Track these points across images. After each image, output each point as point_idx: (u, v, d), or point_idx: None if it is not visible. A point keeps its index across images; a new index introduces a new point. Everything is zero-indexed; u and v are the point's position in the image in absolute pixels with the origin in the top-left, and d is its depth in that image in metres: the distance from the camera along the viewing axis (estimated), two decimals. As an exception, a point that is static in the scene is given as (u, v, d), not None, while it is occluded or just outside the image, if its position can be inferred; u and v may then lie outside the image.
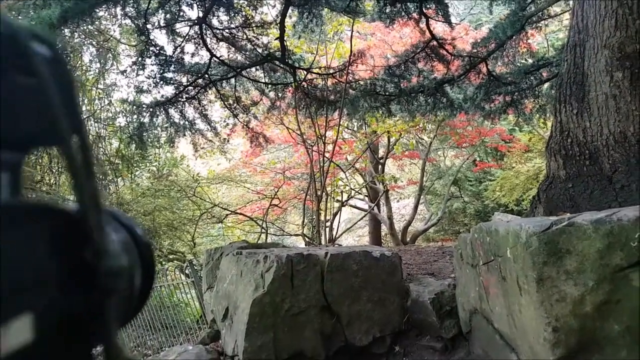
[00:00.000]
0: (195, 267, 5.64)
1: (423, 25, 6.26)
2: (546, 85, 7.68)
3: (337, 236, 9.17)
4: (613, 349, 1.74)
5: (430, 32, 6.41)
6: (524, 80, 7.22)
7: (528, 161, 12.68)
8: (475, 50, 6.93)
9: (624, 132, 3.31)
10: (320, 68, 7.21)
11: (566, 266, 1.79)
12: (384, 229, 12.84)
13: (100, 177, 8.13)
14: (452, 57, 6.94)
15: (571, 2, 6.04)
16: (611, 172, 3.31)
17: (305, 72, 6.77)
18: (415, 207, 12.33)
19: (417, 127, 10.48)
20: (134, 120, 6.98)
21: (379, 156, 12.48)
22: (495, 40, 6.74)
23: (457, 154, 15.31)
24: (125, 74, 7.19)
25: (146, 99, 6.87)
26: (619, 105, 3.33)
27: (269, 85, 7.09)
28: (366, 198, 12.82)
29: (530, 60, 7.44)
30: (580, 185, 3.49)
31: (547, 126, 11.65)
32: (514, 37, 6.80)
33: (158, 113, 6.92)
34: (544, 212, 3.73)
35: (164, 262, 7.68)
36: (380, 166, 12.04)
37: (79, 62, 8.00)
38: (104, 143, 8.33)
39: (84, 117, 8.04)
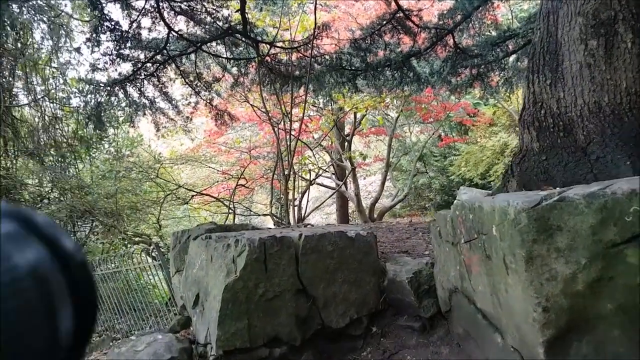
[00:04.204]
0: (162, 250, 5.43)
1: (389, -5, 6.07)
2: (512, 57, 7.71)
3: (305, 215, 9.05)
4: (605, 328, 1.68)
5: (397, 2, 6.22)
6: (491, 52, 7.20)
7: (493, 135, 12.87)
8: (441, 22, 6.82)
9: (598, 102, 3.27)
10: (284, 42, 6.92)
11: (557, 243, 1.70)
12: (352, 206, 12.83)
13: (59, 159, 7.67)
14: (419, 30, 6.80)
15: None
16: (586, 144, 3.28)
17: (268, 47, 6.46)
18: (382, 184, 12.33)
19: (384, 102, 10.37)
20: (91, 100, 6.53)
21: (345, 133, 12.35)
22: (462, 12, 6.65)
23: (422, 130, 15.39)
24: (79, 51, 6.69)
25: (103, 77, 6.47)
26: (593, 75, 3.27)
27: (231, 61, 6.76)
28: (333, 176, 12.73)
29: (495, 33, 7.41)
30: (554, 158, 3.45)
31: (512, 99, 11.83)
32: (480, 8, 6.73)
33: (116, 92, 6.54)
34: (517, 186, 3.68)
35: (129, 245, 7.38)
36: (346, 143, 11.92)
37: (30, 39, 7.40)
38: (60, 124, 7.82)
39: (38, 97, 7.50)
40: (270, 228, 5.39)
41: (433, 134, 14.15)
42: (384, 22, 6.64)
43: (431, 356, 2.74)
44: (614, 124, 3.23)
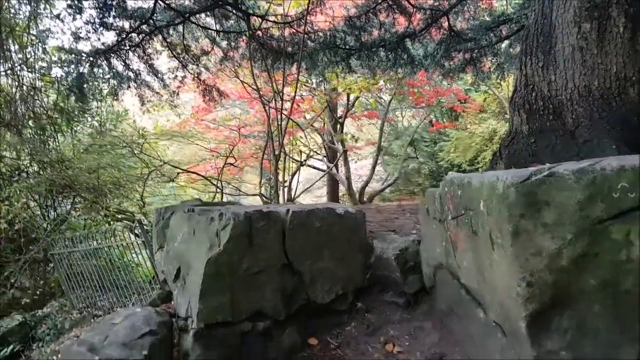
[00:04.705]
0: (146, 227, 5.36)
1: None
2: (505, 43, 7.68)
3: (295, 196, 9.04)
4: (587, 303, 1.70)
5: (393, -20, 6.14)
6: (484, 36, 7.16)
7: (482, 122, 12.91)
8: (437, 4, 6.75)
9: (588, 86, 3.27)
10: (276, 16, 6.77)
11: (544, 219, 1.71)
12: (342, 189, 12.85)
13: (38, 132, 7.48)
14: (414, 10, 6.71)
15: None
16: (574, 127, 3.29)
17: (260, 20, 6.33)
18: (373, 167, 12.35)
19: (378, 85, 10.31)
20: (73, 70, 6.34)
21: (338, 115, 12.28)
22: (458, -7, 6.59)
23: (414, 114, 15.38)
24: (60, 18, 6.48)
25: (85, 46, 6.26)
26: (585, 58, 3.27)
27: (221, 34, 6.61)
28: (324, 158, 12.70)
29: (489, 18, 7.36)
30: (542, 140, 3.46)
31: (503, 86, 11.84)
32: (476, -10, 6.68)
33: (99, 63, 6.35)
34: (505, 168, 3.70)
35: (112, 222, 7.28)
36: (339, 125, 11.86)
37: (5, 3, 7.12)
38: (40, 95, 7.60)
39: (16, 65, 7.26)
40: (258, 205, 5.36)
41: (424, 119, 14.16)
42: (380, 1, 6.54)
43: (414, 331, 2.76)
44: (603, 108, 3.24)
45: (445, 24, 6.80)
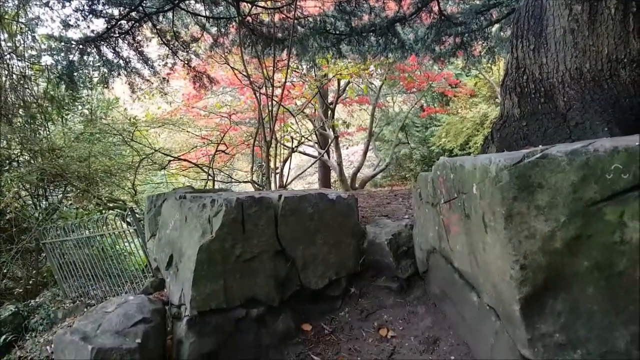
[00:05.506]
0: (137, 215, 5.32)
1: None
2: (495, 27, 7.63)
3: (287, 182, 9.01)
4: (580, 286, 1.70)
5: (383, -37, 6.05)
6: (475, 20, 7.11)
7: (473, 106, 12.91)
8: (427, -14, 6.69)
9: (579, 69, 3.26)
10: (266, 2, 6.67)
11: (537, 201, 1.70)
12: (334, 175, 12.84)
13: (28, 121, 7.35)
14: (405, -8, 6.65)
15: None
16: (566, 110, 3.29)
17: (250, 6, 6.22)
18: (365, 153, 12.33)
19: (368, 70, 10.24)
20: (63, 58, 6.24)
21: (329, 101, 12.20)
22: (448, -24, 6.53)
23: (405, 100, 15.34)
24: (49, 5, 6.34)
25: (75, 34, 6.15)
26: (576, 40, 3.25)
27: (211, 20, 6.51)
28: (316, 144, 12.65)
29: (479, 1, 7.30)
30: (534, 124, 3.46)
31: (494, 70, 11.82)
32: (466, -26, 6.61)
33: (89, 50, 6.25)
34: (496, 152, 3.70)
35: (104, 211, 7.21)
36: (330, 112, 11.79)
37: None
38: (30, 83, 7.47)
39: (5, 54, 7.11)
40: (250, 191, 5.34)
41: (415, 104, 14.13)
42: (370, -15, 6.47)
43: (407, 315, 2.78)
44: (594, 90, 3.23)
45: (436, 8, 6.74)
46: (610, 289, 1.70)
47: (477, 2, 7.18)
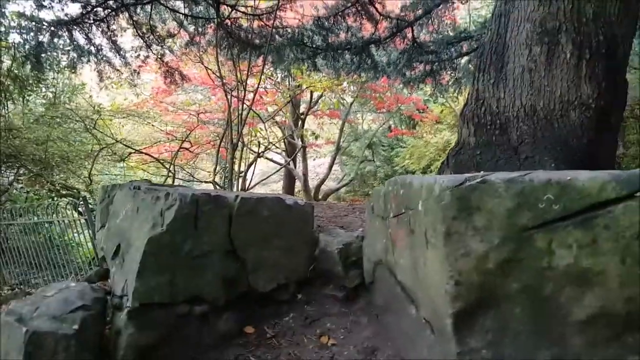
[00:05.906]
0: (91, 206, 5.18)
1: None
2: (464, 59, 7.98)
3: (250, 187, 8.99)
4: (509, 306, 1.81)
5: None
6: (445, 50, 7.43)
7: (438, 132, 13.34)
8: (403, 14, 6.96)
9: (534, 106, 3.48)
10: (246, 7, 6.74)
11: (475, 222, 1.81)
12: (298, 185, 12.90)
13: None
14: (381, 17, 6.90)
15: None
16: (518, 143, 3.50)
17: (230, 9, 6.28)
18: (330, 166, 12.49)
19: (341, 86, 10.43)
20: (32, 38, 6.08)
21: (300, 112, 12.32)
22: (423, 7, 6.81)
23: (374, 119, 15.67)
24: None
25: (48, 15, 6.00)
26: (533, 79, 3.48)
27: (189, 18, 6.51)
28: (283, 152, 12.70)
29: (452, 33, 7.63)
30: (487, 153, 3.64)
31: (459, 100, 12.27)
32: (440, 6, 6.91)
33: (60, 33, 6.13)
34: (451, 176, 3.86)
35: (55, 198, 6.97)
36: (300, 122, 11.89)
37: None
38: (-6, 60, 7.20)
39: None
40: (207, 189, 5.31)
41: (384, 124, 14.47)
42: (349, 5, 6.66)
43: (350, 325, 2.85)
44: (546, 128, 3.45)
45: (410, 35, 7.01)
46: (537, 311, 1.81)
47: (450, 34, 7.50)
